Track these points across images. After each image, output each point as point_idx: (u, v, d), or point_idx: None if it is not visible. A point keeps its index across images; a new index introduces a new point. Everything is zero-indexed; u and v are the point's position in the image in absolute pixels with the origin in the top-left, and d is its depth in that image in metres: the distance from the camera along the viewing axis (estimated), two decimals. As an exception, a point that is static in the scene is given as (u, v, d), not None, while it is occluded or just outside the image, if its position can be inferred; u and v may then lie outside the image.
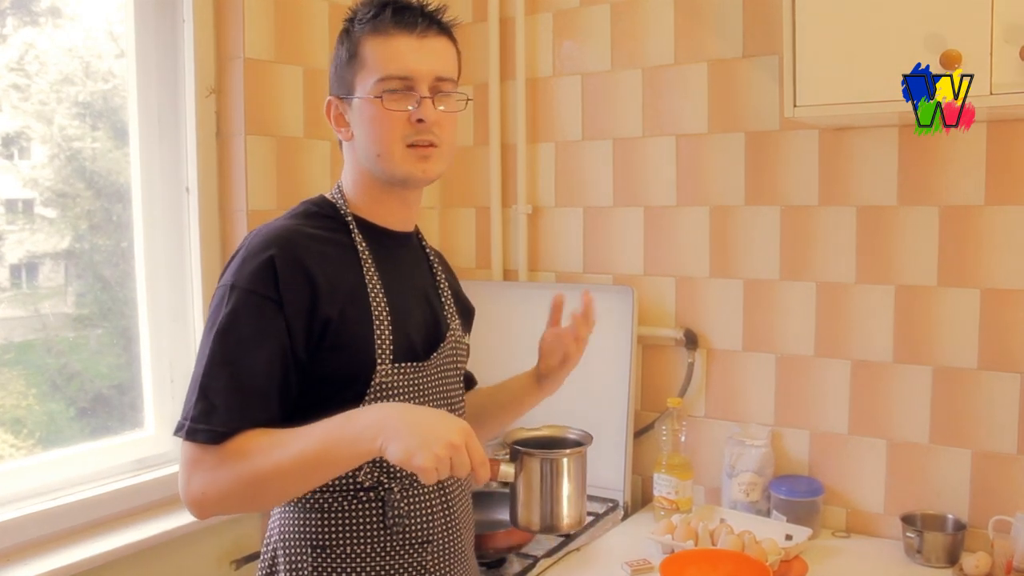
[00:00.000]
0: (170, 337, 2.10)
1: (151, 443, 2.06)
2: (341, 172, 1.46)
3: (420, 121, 1.34)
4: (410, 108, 1.34)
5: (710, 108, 2.27)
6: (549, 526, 1.32)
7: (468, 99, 1.43)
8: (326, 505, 1.33)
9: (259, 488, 1.22)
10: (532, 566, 1.94)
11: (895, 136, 2.04)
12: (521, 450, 1.31)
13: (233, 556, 2.08)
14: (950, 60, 1.65)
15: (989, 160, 1.95)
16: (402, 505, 1.35)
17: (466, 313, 1.59)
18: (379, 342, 1.33)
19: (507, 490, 1.33)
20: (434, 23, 1.37)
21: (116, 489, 1.94)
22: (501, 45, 2.56)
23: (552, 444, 1.36)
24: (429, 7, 1.38)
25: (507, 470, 1.29)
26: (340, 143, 1.45)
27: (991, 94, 1.63)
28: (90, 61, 2.01)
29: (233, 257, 1.34)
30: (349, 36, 1.38)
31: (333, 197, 1.43)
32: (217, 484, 1.22)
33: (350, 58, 1.37)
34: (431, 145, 1.36)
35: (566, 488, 1.31)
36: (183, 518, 1.94)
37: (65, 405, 1.98)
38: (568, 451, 1.32)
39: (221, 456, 1.22)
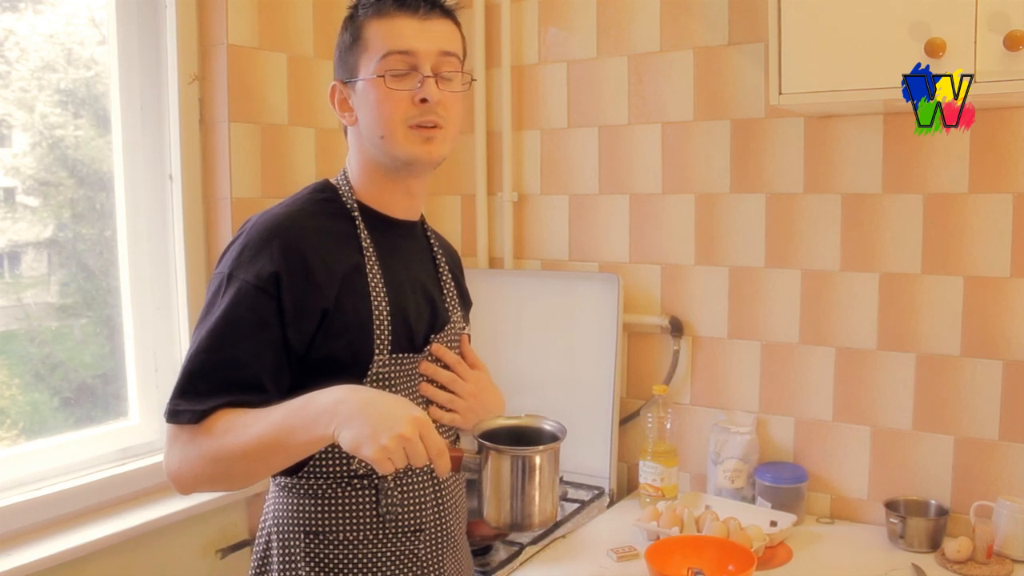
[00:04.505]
0: (154, 326, 2.09)
1: (136, 432, 2.06)
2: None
3: (424, 101, 1.32)
4: (414, 88, 1.32)
5: (696, 96, 2.27)
6: (518, 525, 1.23)
7: (472, 79, 1.42)
8: (320, 492, 1.33)
9: (225, 467, 1.23)
10: (518, 553, 1.95)
11: (880, 124, 2.04)
12: (487, 445, 1.22)
13: (219, 545, 2.08)
14: (934, 48, 1.65)
15: (973, 148, 1.95)
16: (395, 493, 1.34)
17: (465, 305, 1.59)
18: (378, 332, 1.33)
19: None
20: (436, 6, 1.36)
21: (101, 479, 1.93)
22: (486, 32, 2.54)
23: (523, 435, 1.27)
24: None
25: (471, 464, 1.22)
26: (345, 130, 1.43)
27: (975, 82, 1.63)
28: (72, 48, 1.99)
29: (231, 244, 1.33)
30: (353, 21, 1.37)
31: (338, 183, 1.42)
32: (189, 462, 1.24)
33: (353, 41, 1.36)
34: (435, 127, 1.34)
35: (536, 486, 1.21)
36: (168, 507, 1.93)
37: (49, 395, 1.97)
38: (540, 448, 1.22)
39: (193, 434, 1.24)
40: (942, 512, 1.98)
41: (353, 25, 1.37)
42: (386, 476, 1.33)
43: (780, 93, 1.85)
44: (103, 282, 2.05)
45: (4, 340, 1.91)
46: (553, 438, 1.26)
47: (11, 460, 1.84)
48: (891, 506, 2.00)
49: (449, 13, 1.39)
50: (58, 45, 1.96)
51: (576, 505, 2.21)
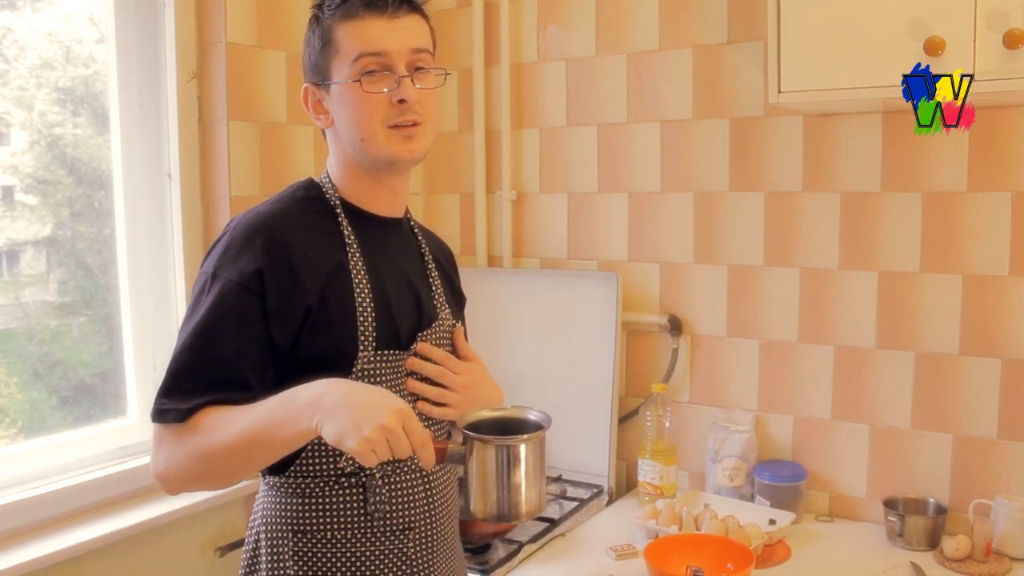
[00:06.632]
0: (153, 324, 2.09)
1: (134, 431, 2.05)
2: (326, 158, 1.45)
3: (402, 101, 1.32)
4: (389, 89, 1.32)
5: (695, 94, 2.27)
6: (505, 515, 1.22)
7: (447, 73, 1.41)
8: (307, 490, 1.33)
9: (211, 464, 1.23)
10: (517, 551, 1.95)
11: (879, 122, 2.04)
12: (472, 435, 1.21)
13: (217, 543, 2.08)
14: (934, 47, 1.65)
15: (972, 147, 1.95)
16: (383, 492, 1.34)
17: (457, 303, 1.58)
18: (362, 328, 1.33)
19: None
20: (404, 2, 1.35)
21: (99, 477, 1.93)
22: (485, 30, 2.54)
23: (508, 427, 1.26)
24: None
25: (455, 454, 1.21)
26: (323, 131, 1.43)
27: (974, 80, 1.63)
28: (70, 46, 1.98)
29: (216, 243, 1.33)
30: (319, 23, 1.36)
31: (321, 181, 1.42)
32: (175, 460, 1.25)
33: (323, 45, 1.35)
34: (415, 124, 1.34)
35: (522, 476, 1.20)
36: (167, 505, 1.93)
37: (47, 394, 1.96)
38: (524, 437, 1.21)
39: (178, 433, 1.24)
40: (940, 510, 1.98)
41: (321, 27, 1.35)
42: (374, 474, 1.33)
43: (779, 91, 1.85)
44: (102, 280, 2.05)
45: (3, 339, 1.91)
46: (538, 428, 1.25)
47: (10, 459, 1.84)
48: (890, 504, 2.01)
49: (417, 8, 1.38)
50: (56, 43, 1.96)
51: (575, 503, 2.22)
